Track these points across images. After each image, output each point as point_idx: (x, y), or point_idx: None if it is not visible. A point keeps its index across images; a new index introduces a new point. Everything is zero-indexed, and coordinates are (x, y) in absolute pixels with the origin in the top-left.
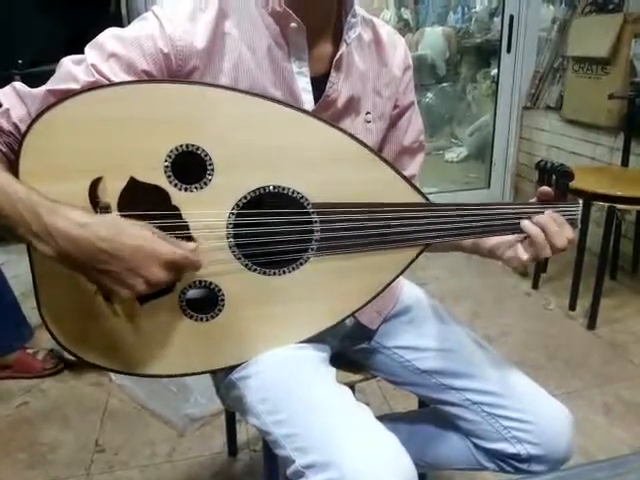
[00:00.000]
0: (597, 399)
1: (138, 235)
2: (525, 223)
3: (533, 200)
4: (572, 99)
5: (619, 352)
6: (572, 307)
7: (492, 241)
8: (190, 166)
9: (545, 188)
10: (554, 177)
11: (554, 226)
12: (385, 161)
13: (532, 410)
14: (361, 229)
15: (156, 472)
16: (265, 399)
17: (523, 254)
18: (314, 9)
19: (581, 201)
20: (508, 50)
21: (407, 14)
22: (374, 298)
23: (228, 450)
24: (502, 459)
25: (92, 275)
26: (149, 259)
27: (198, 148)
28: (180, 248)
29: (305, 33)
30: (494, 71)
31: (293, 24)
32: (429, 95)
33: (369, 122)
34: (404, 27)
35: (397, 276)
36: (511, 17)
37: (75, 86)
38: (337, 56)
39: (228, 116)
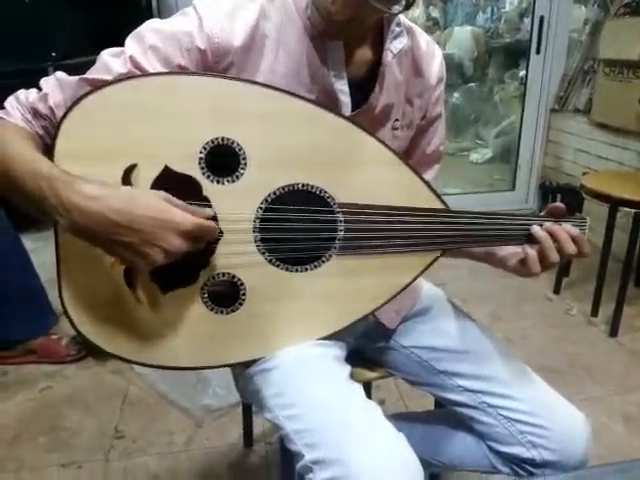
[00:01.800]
0: (617, 407)
1: (152, 205)
2: (536, 228)
3: (543, 214)
4: (601, 102)
5: None
6: (594, 313)
7: (502, 251)
8: (224, 159)
9: (557, 203)
10: (559, 196)
11: (564, 234)
12: (410, 167)
13: (548, 415)
14: (383, 231)
15: (173, 460)
16: (278, 394)
17: (535, 263)
18: (354, 27)
19: (588, 219)
20: (537, 51)
21: (436, 12)
22: (391, 300)
23: (244, 442)
24: (517, 463)
25: (110, 248)
26: (165, 229)
27: (233, 142)
28: (196, 215)
29: (343, 45)
30: (522, 72)
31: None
32: (455, 95)
33: (396, 129)
34: (433, 25)
35: (415, 279)
36: (541, 18)
37: (108, 77)
38: (382, 67)
39: (264, 113)
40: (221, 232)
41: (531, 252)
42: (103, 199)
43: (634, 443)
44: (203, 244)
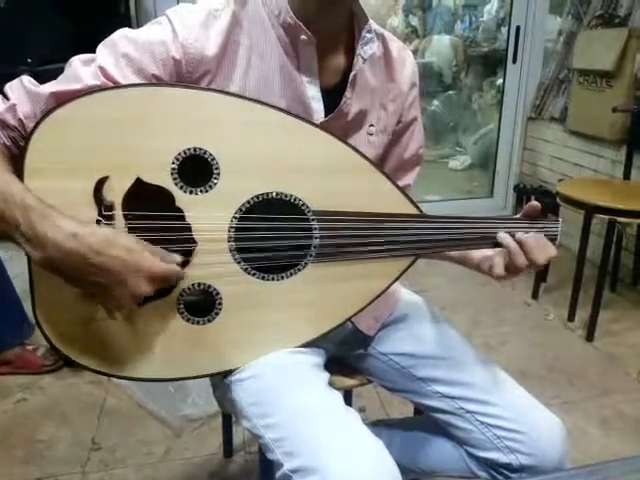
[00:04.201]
0: (593, 411)
1: (128, 249)
2: (501, 234)
3: (518, 216)
4: (576, 111)
5: (617, 364)
6: (571, 318)
7: (478, 254)
8: (196, 169)
9: (535, 202)
10: (533, 198)
11: (532, 241)
12: (383, 173)
13: (525, 420)
14: (358, 237)
15: (152, 471)
16: (256, 403)
17: (500, 266)
18: (325, 23)
19: (560, 220)
20: (514, 60)
21: (415, 21)
22: (368, 305)
23: (224, 451)
24: (494, 468)
25: (79, 285)
26: (137, 273)
27: (205, 152)
28: (166, 261)
29: (315, 45)
30: (500, 81)
31: (303, 37)
32: (435, 103)
33: (371, 135)
34: (412, 34)
35: (391, 283)
36: (517, 28)
37: (79, 87)
38: (353, 72)
39: (236, 122)
40: (195, 242)
41: (497, 257)
42: (82, 238)
43: (610, 446)
44: (165, 286)
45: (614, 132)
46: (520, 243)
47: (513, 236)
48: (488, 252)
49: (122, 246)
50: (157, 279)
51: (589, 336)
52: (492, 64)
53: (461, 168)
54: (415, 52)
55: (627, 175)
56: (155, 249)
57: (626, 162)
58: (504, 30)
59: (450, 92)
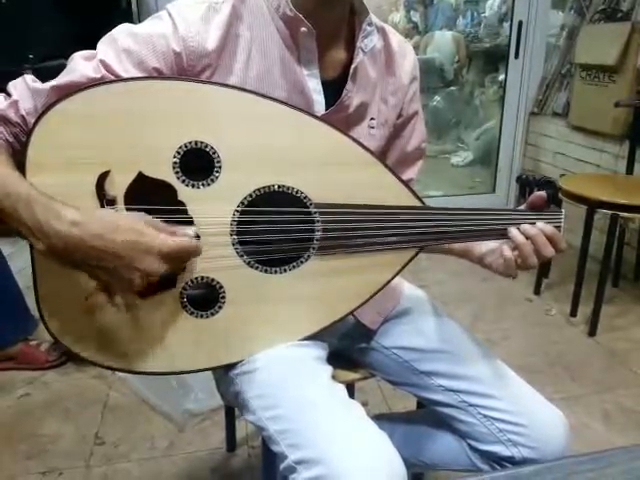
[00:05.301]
0: (596, 406)
1: (130, 229)
2: (514, 232)
3: (522, 207)
4: (579, 106)
5: (619, 360)
6: (573, 313)
7: (482, 249)
8: (198, 163)
9: (540, 192)
10: (536, 189)
11: (542, 237)
12: (385, 166)
13: (527, 414)
14: (361, 230)
15: (155, 466)
16: (261, 395)
17: (512, 265)
18: (325, 15)
19: (564, 211)
20: (516, 55)
21: (416, 17)
22: (371, 298)
23: (227, 446)
24: (497, 461)
25: (89, 272)
26: (144, 252)
27: (207, 145)
28: (177, 236)
29: (315, 37)
30: (502, 76)
31: (303, 29)
32: (437, 98)
33: (372, 128)
34: (413, 29)
35: (394, 276)
36: (520, 23)
37: (81, 80)
38: (354, 65)
39: (237, 115)
40: (198, 236)
41: (508, 255)
42: (84, 225)
43: (613, 441)
44: (185, 262)
45: (617, 127)
46: (530, 238)
47: (523, 232)
48: (490, 245)
49: (128, 227)
50: (169, 256)
51: (591, 331)
52: (494, 59)
53: (463, 164)
54: (416, 48)
55: (630, 170)
56: (165, 226)
57: (629, 157)
58: (506, 25)
59: (452, 88)
